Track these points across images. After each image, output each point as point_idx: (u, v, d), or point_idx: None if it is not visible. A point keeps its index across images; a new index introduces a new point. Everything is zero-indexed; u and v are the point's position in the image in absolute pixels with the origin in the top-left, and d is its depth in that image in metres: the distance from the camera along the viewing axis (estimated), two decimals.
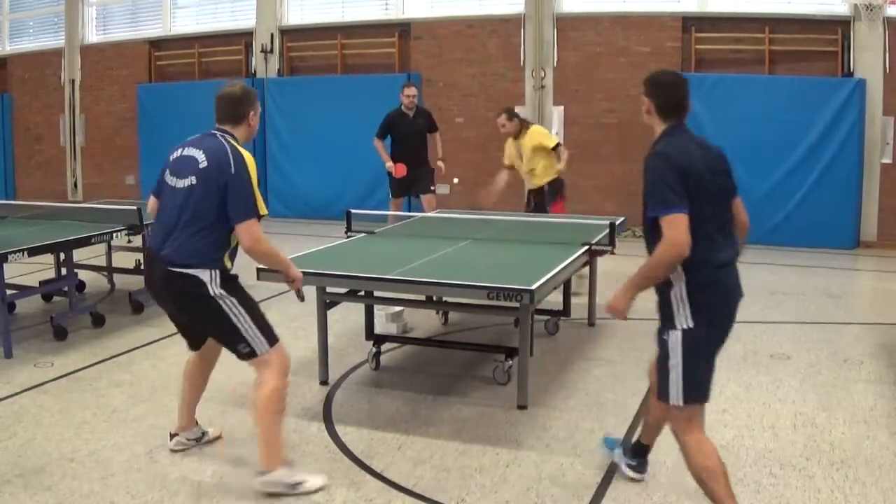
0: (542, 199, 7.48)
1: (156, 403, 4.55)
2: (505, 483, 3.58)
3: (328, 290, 4.80)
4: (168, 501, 3.39)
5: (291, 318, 6.04)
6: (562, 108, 11.26)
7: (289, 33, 12.71)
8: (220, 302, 3.38)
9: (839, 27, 9.94)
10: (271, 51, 12.65)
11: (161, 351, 5.58)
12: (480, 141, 11.09)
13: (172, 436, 3.89)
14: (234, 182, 3.34)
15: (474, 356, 5.34)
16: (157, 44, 13.59)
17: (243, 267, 3.67)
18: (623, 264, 8.36)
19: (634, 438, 3.71)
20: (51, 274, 7.15)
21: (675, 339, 2.91)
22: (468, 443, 4.01)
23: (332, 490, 3.48)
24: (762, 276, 7.97)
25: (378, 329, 5.49)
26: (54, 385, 4.86)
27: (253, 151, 3.72)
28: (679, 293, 2.89)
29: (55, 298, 6.96)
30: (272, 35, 12.64)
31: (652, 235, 2.92)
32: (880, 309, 6.91)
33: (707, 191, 2.86)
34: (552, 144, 7.43)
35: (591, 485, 3.56)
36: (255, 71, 12.76)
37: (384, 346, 5.26)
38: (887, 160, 9.96)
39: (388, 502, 3.41)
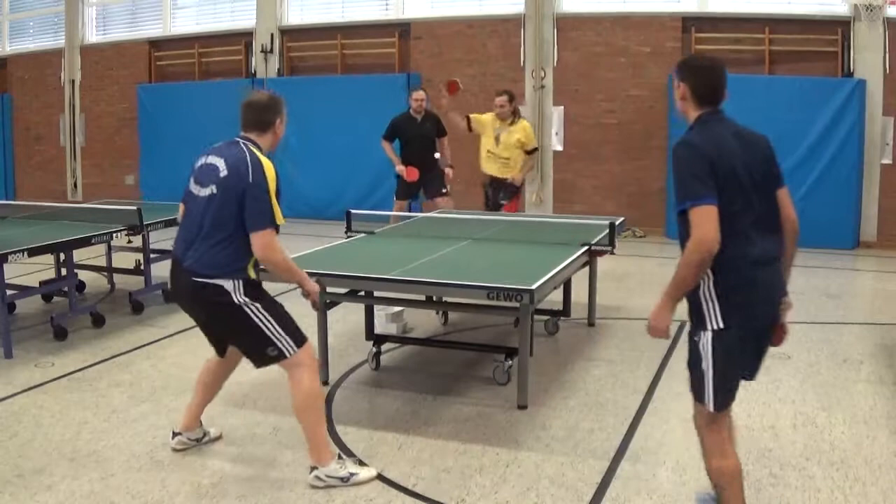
0: (498, 191, 7.58)
1: (156, 403, 4.55)
2: (505, 483, 3.58)
3: (328, 290, 4.80)
4: (168, 501, 3.39)
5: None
6: (562, 108, 11.26)
7: (289, 33, 12.71)
8: (246, 308, 3.41)
9: (839, 27, 9.95)
10: (271, 51, 12.65)
11: (161, 351, 5.58)
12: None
13: (175, 434, 3.90)
14: (251, 190, 3.34)
15: (474, 356, 5.34)
16: (157, 44, 13.60)
17: None
18: (623, 264, 8.41)
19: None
20: (51, 274, 7.16)
21: (705, 340, 2.76)
22: (468, 443, 4.01)
23: (332, 490, 3.48)
24: None
25: (378, 329, 5.49)
26: (54, 385, 4.86)
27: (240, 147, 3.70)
28: (708, 292, 2.74)
29: (55, 298, 6.96)
30: (272, 35, 12.64)
31: (682, 232, 2.75)
32: (880, 309, 6.91)
33: (739, 183, 2.69)
34: (534, 146, 7.62)
35: (591, 485, 3.56)
36: (255, 71, 12.77)
37: (384, 346, 5.26)
38: (887, 160, 9.97)
39: (388, 502, 3.41)
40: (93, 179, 14.31)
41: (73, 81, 14.16)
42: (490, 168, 7.67)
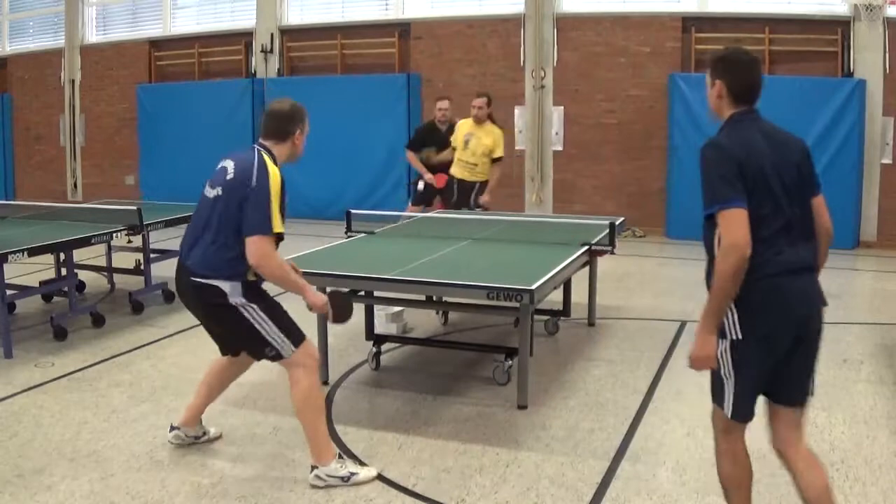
0: (468, 196, 7.59)
1: (156, 403, 4.55)
2: (505, 483, 3.58)
3: (328, 290, 4.80)
4: (168, 501, 3.39)
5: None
6: (562, 108, 11.26)
7: (289, 33, 12.71)
8: (242, 310, 3.42)
9: (839, 27, 9.95)
10: (271, 51, 12.65)
11: (161, 351, 5.58)
12: None
13: (173, 428, 3.90)
14: (252, 195, 3.34)
15: (474, 356, 5.34)
16: (157, 44, 13.59)
17: None
18: (623, 264, 8.41)
19: None
20: (51, 274, 7.16)
21: (723, 348, 2.62)
22: (468, 443, 4.01)
23: (332, 490, 3.48)
24: None
25: (378, 329, 5.49)
26: (54, 385, 4.86)
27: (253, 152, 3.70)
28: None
29: (55, 298, 6.96)
30: (272, 35, 12.64)
31: (709, 238, 2.62)
32: (880, 309, 6.91)
33: (768, 186, 2.55)
34: (501, 154, 7.60)
35: (591, 485, 3.56)
36: (254, 71, 12.77)
37: (384, 346, 5.26)
38: (887, 160, 9.97)
39: (388, 502, 3.41)
40: (93, 179, 14.30)
41: (73, 81, 14.16)
42: (459, 172, 7.68)
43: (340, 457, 3.58)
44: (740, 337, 2.58)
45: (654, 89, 10.71)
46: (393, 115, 11.60)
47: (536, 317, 5.63)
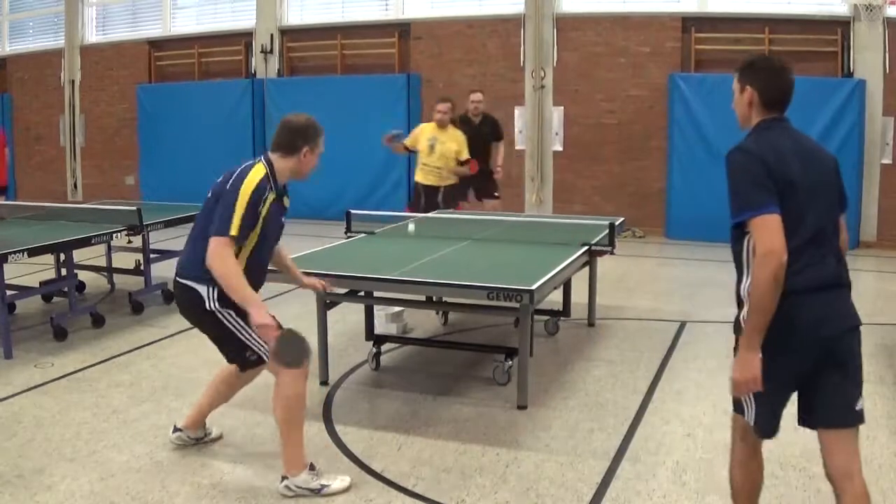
0: (436, 200, 7.67)
1: (156, 404, 4.55)
2: (505, 483, 3.58)
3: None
4: (168, 501, 3.39)
5: (292, 318, 6.03)
6: (562, 108, 11.26)
7: (289, 33, 12.71)
8: (218, 315, 3.41)
9: (839, 27, 9.95)
10: (271, 51, 12.65)
11: (161, 351, 5.58)
12: None
13: (176, 429, 3.89)
14: (223, 197, 3.34)
15: (474, 356, 5.34)
16: (157, 44, 13.59)
17: None
18: (623, 264, 8.41)
19: None
20: (51, 274, 7.16)
21: None
22: (468, 443, 4.01)
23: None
24: None
25: (378, 329, 5.49)
26: (54, 385, 4.86)
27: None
28: (745, 316, 2.47)
29: (55, 299, 6.96)
30: (272, 35, 12.64)
31: (738, 249, 2.50)
32: (880, 309, 6.91)
33: (795, 196, 2.42)
34: (466, 157, 7.67)
35: (591, 485, 3.56)
36: (254, 71, 12.77)
37: (384, 347, 5.26)
38: (887, 161, 9.97)
39: (388, 502, 3.41)
40: (93, 180, 14.31)
41: (73, 82, 14.16)
42: (424, 178, 7.76)
43: (312, 468, 3.48)
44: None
45: (654, 89, 10.71)
46: (393, 116, 11.59)
47: (536, 317, 5.63)
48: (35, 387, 4.82)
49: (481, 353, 5.33)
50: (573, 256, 5.01)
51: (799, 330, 2.42)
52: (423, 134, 7.74)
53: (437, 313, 6.27)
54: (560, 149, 11.34)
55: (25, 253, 5.32)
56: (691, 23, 10.54)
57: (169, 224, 6.90)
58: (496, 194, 8.51)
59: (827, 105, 9.72)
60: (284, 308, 6.20)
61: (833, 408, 2.54)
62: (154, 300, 6.86)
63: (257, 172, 3.38)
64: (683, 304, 6.81)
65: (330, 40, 12.32)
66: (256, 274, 3.50)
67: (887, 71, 9.79)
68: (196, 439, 3.92)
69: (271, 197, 3.42)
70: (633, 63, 10.80)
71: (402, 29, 11.99)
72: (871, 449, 3.90)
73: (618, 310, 6.70)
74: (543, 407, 4.50)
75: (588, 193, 11.20)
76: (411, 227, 6.43)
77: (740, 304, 2.53)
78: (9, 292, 5.77)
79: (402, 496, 3.46)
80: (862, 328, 2.56)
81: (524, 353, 4.43)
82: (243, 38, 12.88)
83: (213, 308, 3.39)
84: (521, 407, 4.44)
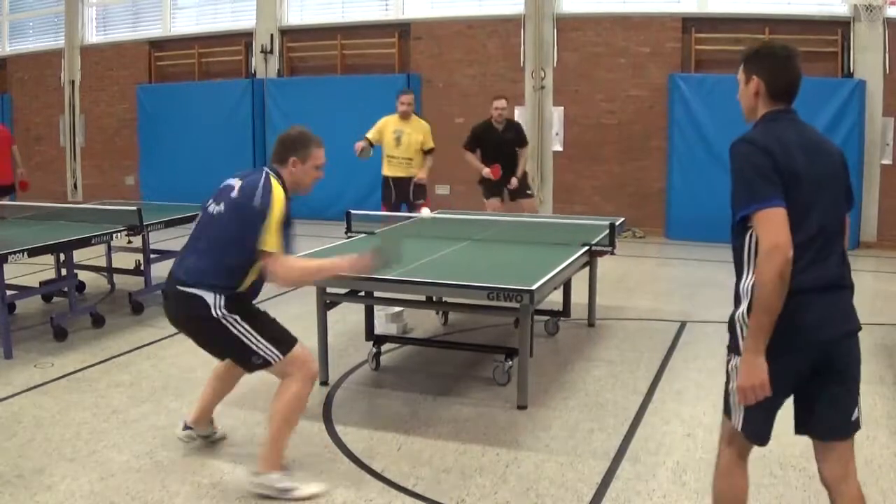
0: (407, 191, 7.77)
1: (156, 404, 4.55)
2: (505, 483, 3.58)
3: (328, 290, 4.81)
4: (168, 501, 3.39)
5: (292, 318, 6.03)
6: (562, 108, 11.26)
7: (289, 33, 12.71)
8: (224, 322, 3.40)
9: (839, 28, 9.95)
10: (271, 51, 12.65)
11: (161, 351, 5.58)
12: None
13: (186, 427, 3.88)
14: (258, 216, 3.33)
15: (474, 356, 5.34)
16: (157, 44, 13.59)
17: None
18: (623, 265, 8.41)
19: None
20: (51, 274, 7.16)
21: (734, 364, 2.43)
22: (468, 443, 4.01)
23: (332, 490, 3.47)
24: None
25: (378, 329, 5.49)
26: (54, 386, 4.86)
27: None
28: (741, 316, 2.39)
29: (55, 299, 6.96)
30: (272, 35, 12.64)
31: (738, 246, 2.41)
32: (880, 309, 6.91)
33: (799, 191, 2.32)
34: (432, 146, 7.76)
35: (591, 485, 3.56)
36: (254, 71, 12.77)
37: (384, 347, 5.26)
38: (887, 161, 9.97)
39: (388, 503, 3.41)
40: (93, 180, 14.31)
41: (73, 82, 14.17)
42: (393, 171, 7.83)
43: (286, 472, 3.49)
44: None
45: (654, 90, 10.71)
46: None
47: (536, 317, 5.63)
48: (35, 387, 4.82)
49: (481, 354, 5.33)
50: (573, 257, 5.01)
51: (802, 330, 2.33)
52: (388, 127, 7.78)
53: (437, 313, 6.27)
54: (560, 149, 11.35)
55: (25, 253, 5.32)
56: (691, 23, 10.54)
57: (169, 224, 6.90)
58: (529, 192, 8.54)
59: (827, 105, 9.71)
60: (284, 308, 6.20)
61: (831, 420, 2.48)
62: (154, 300, 6.85)
63: (277, 184, 3.43)
64: (683, 305, 6.81)
65: (330, 40, 12.32)
66: (258, 283, 3.53)
67: (887, 71, 9.80)
68: (204, 437, 3.91)
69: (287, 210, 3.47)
70: (633, 63, 10.81)
71: (402, 29, 11.99)
72: (871, 449, 3.90)
73: (618, 310, 6.70)
74: (543, 407, 4.50)
75: (588, 193, 11.21)
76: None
77: (737, 302, 2.44)
78: (9, 292, 5.77)
79: (402, 496, 3.46)
80: (862, 328, 2.54)
81: (524, 354, 4.43)
82: (243, 39, 12.88)
83: (220, 315, 3.38)
84: (521, 407, 4.44)
